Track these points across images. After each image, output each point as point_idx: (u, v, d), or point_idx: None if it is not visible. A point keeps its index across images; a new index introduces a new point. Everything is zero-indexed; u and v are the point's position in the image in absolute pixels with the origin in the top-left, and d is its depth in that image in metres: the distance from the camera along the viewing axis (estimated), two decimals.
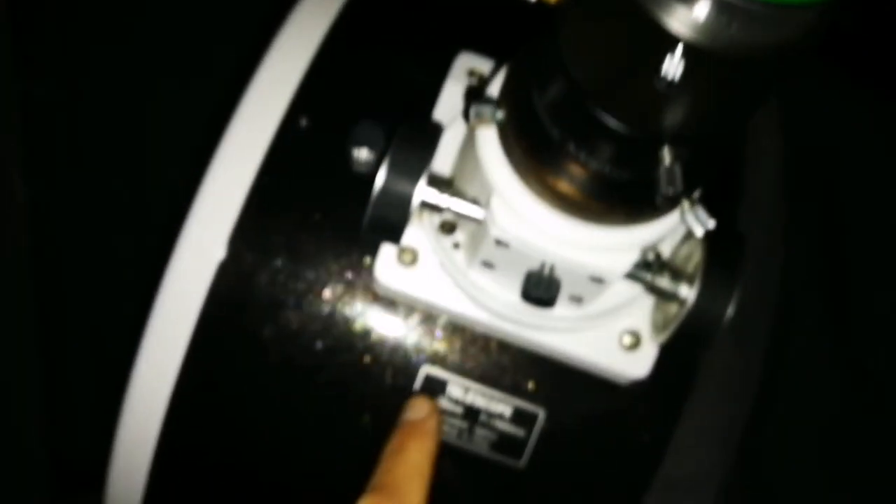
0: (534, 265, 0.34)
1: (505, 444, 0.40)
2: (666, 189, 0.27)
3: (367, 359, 0.40)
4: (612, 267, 0.33)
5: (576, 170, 0.30)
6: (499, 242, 0.34)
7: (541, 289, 0.34)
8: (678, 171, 0.27)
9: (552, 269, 0.34)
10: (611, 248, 0.33)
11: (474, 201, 0.35)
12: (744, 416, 0.39)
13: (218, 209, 0.41)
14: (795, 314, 0.41)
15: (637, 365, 0.38)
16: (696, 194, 0.32)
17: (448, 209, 0.35)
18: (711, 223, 0.31)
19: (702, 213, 0.31)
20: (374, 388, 0.40)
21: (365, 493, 0.33)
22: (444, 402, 0.40)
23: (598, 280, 0.34)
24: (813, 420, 0.40)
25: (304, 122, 0.42)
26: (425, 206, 0.35)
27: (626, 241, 0.33)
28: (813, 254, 0.42)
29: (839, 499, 0.40)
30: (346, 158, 0.39)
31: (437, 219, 0.38)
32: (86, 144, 0.73)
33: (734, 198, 0.41)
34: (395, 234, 0.35)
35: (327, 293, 0.40)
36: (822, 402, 0.40)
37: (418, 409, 0.38)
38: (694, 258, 0.36)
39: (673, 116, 0.27)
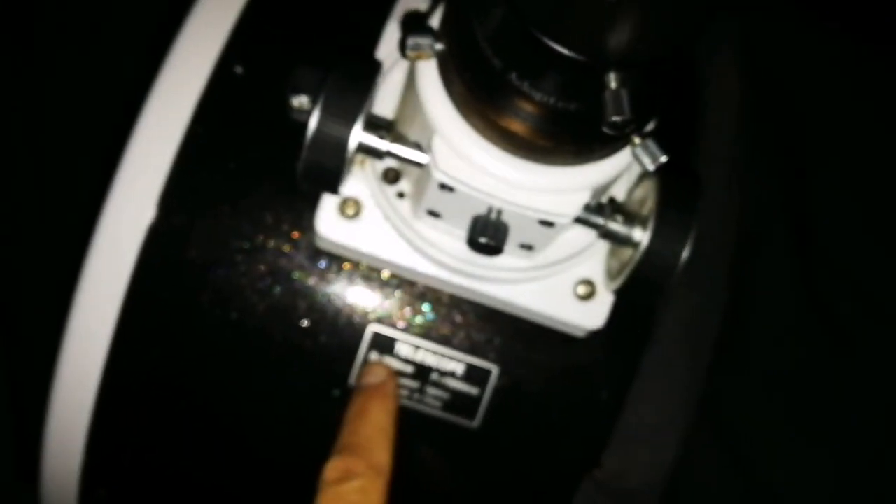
0: (480, 210, 0.32)
1: (458, 403, 0.38)
2: (612, 115, 0.26)
3: (311, 318, 0.38)
4: (562, 209, 0.31)
5: (520, 103, 0.28)
6: (442, 187, 0.32)
7: (487, 234, 0.32)
8: (625, 95, 0.26)
9: (499, 213, 0.32)
10: (560, 189, 0.31)
11: (417, 146, 0.33)
12: (704, 365, 0.38)
13: (146, 166, 0.38)
14: (757, 255, 0.40)
15: (592, 315, 0.37)
16: (648, 128, 0.30)
17: (388, 153, 0.33)
18: (664, 157, 0.29)
19: (653, 146, 0.29)
20: (320, 349, 0.38)
21: (333, 454, 0.33)
22: (393, 362, 0.38)
23: (547, 224, 0.32)
24: (778, 366, 0.39)
25: (238, 69, 0.39)
26: (363, 150, 0.33)
27: (575, 181, 0.31)
28: (775, 192, 0.41)
29: (805, 447, 0.39)
30: (285, 107, 0.37)
31: (379, 166, 0.36)
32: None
33: (691, 135, 0.40)
34: (332, 183, 0.33)
35: (266, 251, 0.38)
36: (788, 347, 0.39)
37: (376, 373, 0.37)
38: (649, 201, 0.34)
39: (617, 36, 0.25)
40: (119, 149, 0.39)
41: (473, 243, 0.32)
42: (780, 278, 0.41)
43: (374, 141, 0.33)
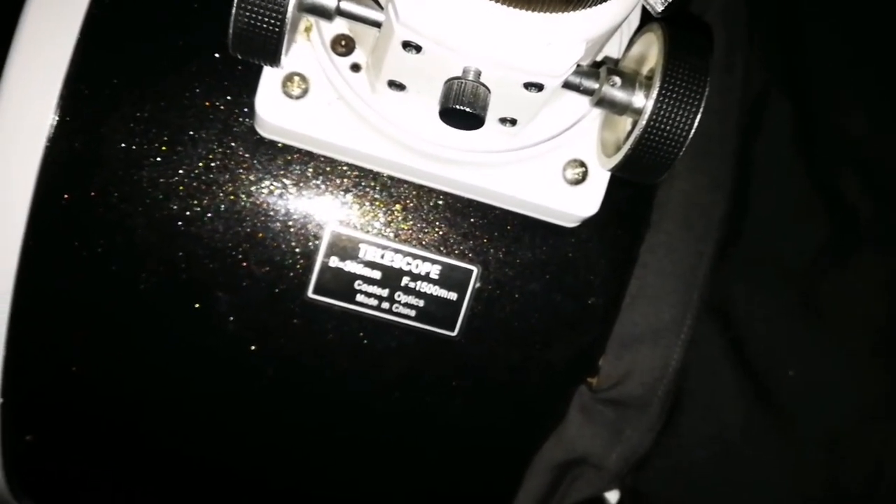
0: (454, 72, 0.27)
1: (434, 311, 0.33)
2: None
3: (257, 221, 0.32)
4: (552, 65, 0.26)
5: None
6: (407, 46, 0.26)
7: (464, 100, 0.26)
8: None
9: (478, 75, 0.27)
10: (550, 41, 0.26)
11: (373, 0, 0.27)
12: (710, 253, 0.33)
13: (41, 54, 0.31)
14: (757, 130, 0.35)
15: (585, 201, 0.32)
16: None
17: (339, 11, 0.27)
18: None
19: None
20: (271, 257, 0.33)
21: None
22: (357, 268, 0.33)
23: (535, 87, 0.27)
24: (785, 255, 0.35)
25: None
26: (306, 8, 0.27)
27: (567, 31, 0.26)
28: (772, 63, 0.36)
29: (816, 342, 0.35)
30: None
31: (328, 34, 0.30)
32: None
33: None
34: (271, 52, 0.27)
35: (199, 142, 0.32)
36: (796, 235, 0.35)
37: None
38: (649, 59, 0.29)
39: None
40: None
41: (448, 113, 0.27)
42: (782, 158, 0.36)
43: None
